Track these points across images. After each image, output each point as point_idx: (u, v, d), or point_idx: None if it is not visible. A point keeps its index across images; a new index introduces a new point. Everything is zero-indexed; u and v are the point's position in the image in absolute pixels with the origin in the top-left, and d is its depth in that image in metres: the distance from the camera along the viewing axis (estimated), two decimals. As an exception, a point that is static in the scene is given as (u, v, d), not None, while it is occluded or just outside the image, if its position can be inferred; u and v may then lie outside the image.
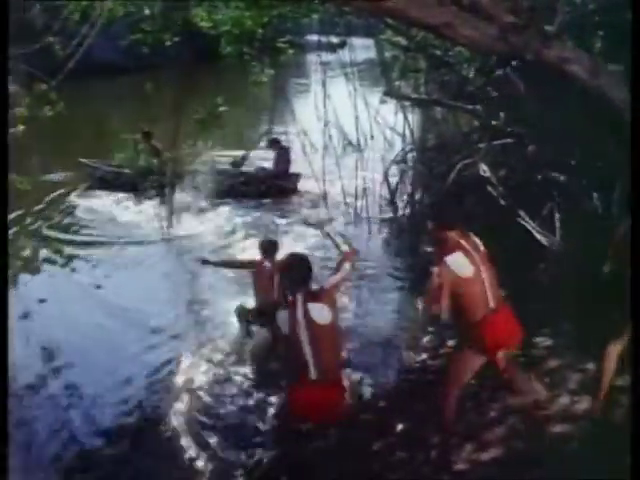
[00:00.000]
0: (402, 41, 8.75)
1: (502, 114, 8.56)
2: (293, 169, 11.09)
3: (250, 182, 10.81)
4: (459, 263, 3.97)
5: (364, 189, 9.05)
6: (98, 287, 7.41)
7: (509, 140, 8.21)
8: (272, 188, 10.80)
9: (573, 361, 5.04)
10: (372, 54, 9.94)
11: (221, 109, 7.78)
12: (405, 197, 9.37)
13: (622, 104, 4.00)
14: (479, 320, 4.04)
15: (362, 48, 11.97)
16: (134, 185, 10.47)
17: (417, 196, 9.12)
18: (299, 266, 3.87)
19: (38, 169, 11.12)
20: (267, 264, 5.63)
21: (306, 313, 3.70)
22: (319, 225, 4.31)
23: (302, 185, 10.81)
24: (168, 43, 7.76)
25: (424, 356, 5.67)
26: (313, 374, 3.67)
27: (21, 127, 5.90)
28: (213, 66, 11.68)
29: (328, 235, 4.37)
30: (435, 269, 3.95)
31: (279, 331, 3.81)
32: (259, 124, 13.98)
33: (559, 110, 6.70)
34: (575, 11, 6.27)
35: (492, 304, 4.07)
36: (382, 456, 4.30)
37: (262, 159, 11.60)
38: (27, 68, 5.88)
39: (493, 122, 8.31)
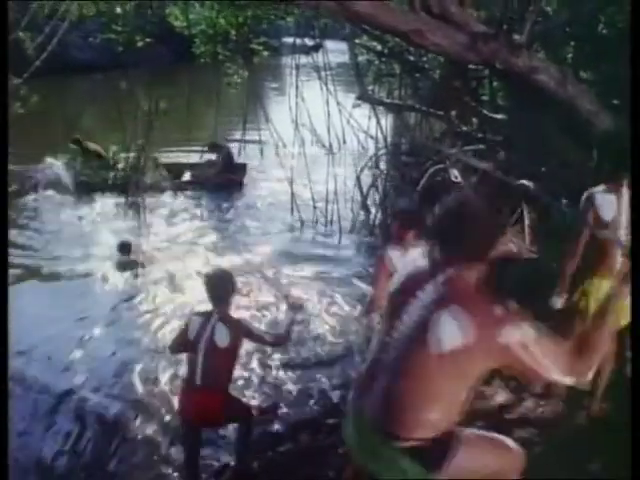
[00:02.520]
0: (377, 46, 8.80)
1: (474, 120, 8.66)
2: (266, 171, 11.19)
3: (198, 175, 11.11)
4: (397, 258, 4.12)
5: (335, 193, 9.05)
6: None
7: (481, 146, 8.31)
8: (220, 180, 11.10)
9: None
10: (347, 58, 9.96)
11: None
12: (377, 201, 9.41)
13: (589, 114, 4.06)
14: None
15: (337, 52, 12.00)
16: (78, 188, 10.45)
17: (389, 201, 9.15)
18: (220, 282, 4.03)
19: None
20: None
21: (213, 330, 3.90)
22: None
23: (273, 187, 10.85)
24: (140, 44, 7.68)
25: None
26: (198, 380, 3.90)
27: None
28: (188, 66, 11.62)
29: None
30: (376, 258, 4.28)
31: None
32: (232, 125, 13.95)
33: (530, 118, 6.80)
34: (547, 22, 6.36)
35: None
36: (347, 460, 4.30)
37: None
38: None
39: (465, 128, 8.40)
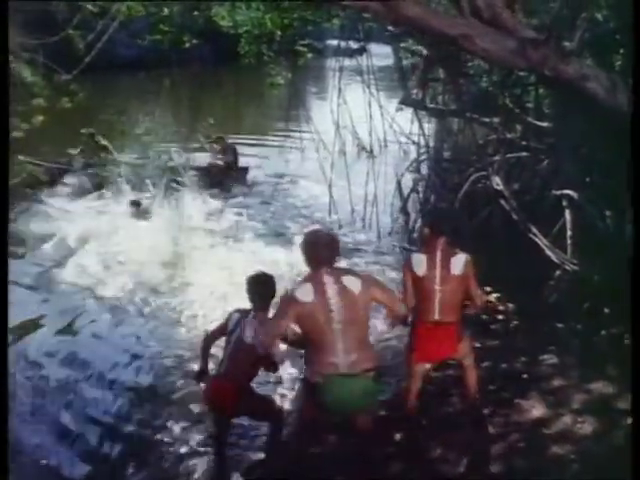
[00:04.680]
0: (422, 50, 8.73)
1: (518, 127, 8.54)
2: (306, 172, 11.23)
3: (202, 175, 11.14)
4: (419, 262, 4.27)
5: (375, 196, 8.99)
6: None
7: (524, 154, 8.19)
8: (222, 180, 11.21)
9: (578, 381, 4.99)
10: (391, 61, 9.93)
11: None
12: (417, 206, 9.33)
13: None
14: (419, 325, 4.32)
15: (381, 55, 11.95)
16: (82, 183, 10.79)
17: (429, 206, 9.07)
18: (261, 286, 4.21)
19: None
20: None
21: (245, 327, 4.13)
22: None
23: (312, 189, 10.87)
24: (187, 45, 7.76)
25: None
26: (222, 369, 4.19)
27: (40, 117, 5.95)
28: (232, 67, 11.76)
29: None
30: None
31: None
32: (274, 125, 14.01)
33: (576, 126, 6.67)
34: (596, 29, 6.24)
35: (436, 317, 4.24)
36: (379, 465, 4.27)
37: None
38: (46, 60, 5.92)
39: (509, 135, 8.28)
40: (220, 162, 11.39)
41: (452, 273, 4.23)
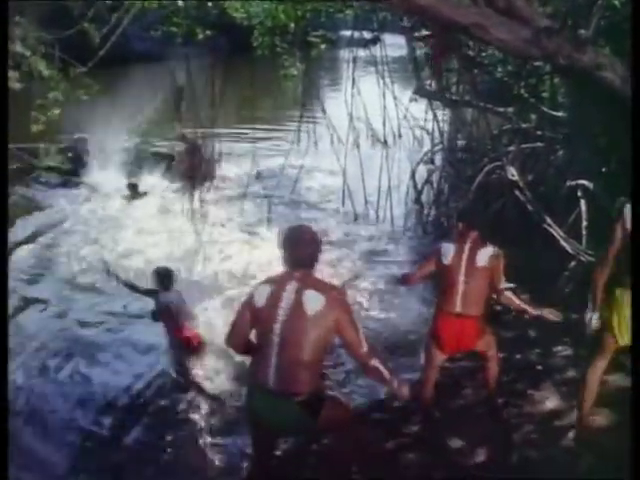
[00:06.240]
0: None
1: (533, 117, 8.48)
2: (320, 163, 11.24)
3: (172, 166, 11.29)
4: (447, 250, 4.30)
5: (389, 187, 8.97)
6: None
7: (539, 144, 8.14)
8: (188, 174, 11.14)
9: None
10: (405, 51, 9.89)
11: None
12: (431, 197, 9.30)
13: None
14: (440, 315, 4.34)
15: (395, 45, 11.89)
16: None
17: (443, 197, 9.03)
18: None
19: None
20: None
21: None
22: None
23: (325, 180, 10.86)
24: (200, 36, 7.77)
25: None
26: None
27: (57, 111, 6.02)
28: (246, 58, 11.73)
29: None
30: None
31: None
32: (288, 116, 14.00)
33: (592, 116, 6.62)
34: (613, 16, 6.17)
35: (459, 309, 4.23)
36: (393, 456, 4.29)
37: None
38: (61, 54, 5.97)
39: (524, 125, 8.23)
40: (183, 157, 11.48)
41: (477, 265, 4.21)
